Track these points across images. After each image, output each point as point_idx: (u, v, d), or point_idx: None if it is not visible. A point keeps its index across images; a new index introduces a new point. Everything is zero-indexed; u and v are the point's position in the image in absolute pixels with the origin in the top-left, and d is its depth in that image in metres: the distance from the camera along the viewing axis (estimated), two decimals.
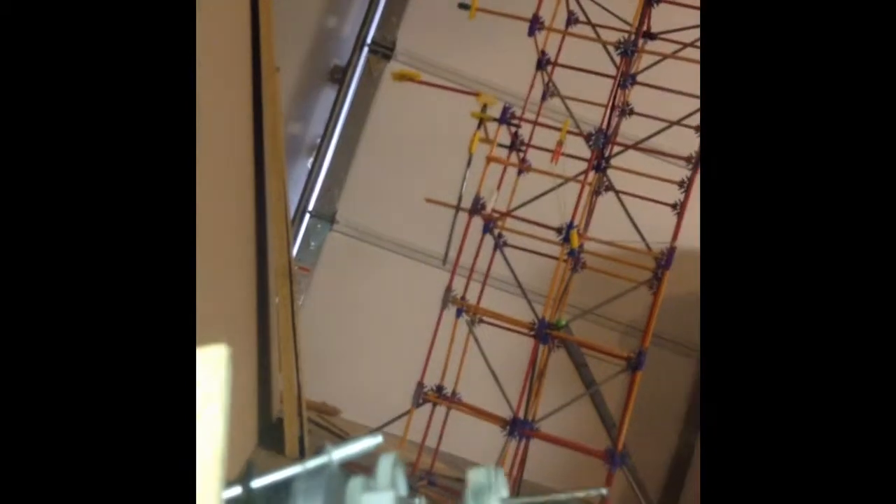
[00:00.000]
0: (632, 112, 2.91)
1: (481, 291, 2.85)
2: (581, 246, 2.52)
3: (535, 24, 2.55)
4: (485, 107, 2.53)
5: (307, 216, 3.99)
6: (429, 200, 2.62)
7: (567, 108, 2.58)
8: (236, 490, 0.88)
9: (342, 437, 3.04)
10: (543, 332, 2.33)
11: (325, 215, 3.98)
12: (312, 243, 3.98)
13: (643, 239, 2.61)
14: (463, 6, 2.60)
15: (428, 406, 2.67)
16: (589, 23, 2.81)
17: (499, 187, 2.73)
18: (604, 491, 2.04)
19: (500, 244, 2.67)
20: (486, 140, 2.61)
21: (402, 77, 2.61)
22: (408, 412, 2.58)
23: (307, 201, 4.00)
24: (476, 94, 2.60)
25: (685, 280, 2.99)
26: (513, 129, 2.65)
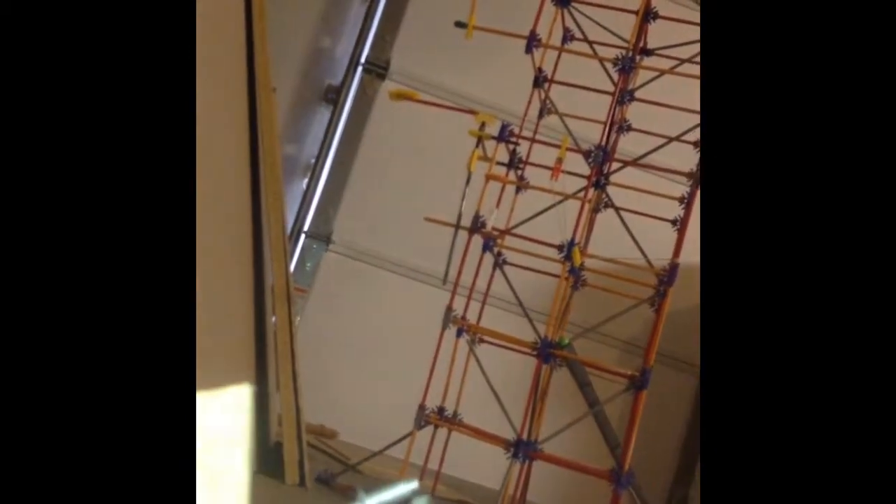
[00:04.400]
0: (630, 128, 2.90)
1: (481, 310, 2.83)
2: (582, 263, 2.51)
3: (532, 42, 2.55)
4: (483, 125, 2.52)
5: (303, 236, 3.97)
6: (427, 219, 2.60)
7: (565, 126, 2.57)
8: None
9: (342, 462, 2.99)
10: (546, 352, 2.30)
11: (321, 235, 3.96)
12: (308, 264, 3.95)
13: (644, 256, 2.60)
14: (459, 24, 2.59)
15: (429, 427, 2.63)
16: (585, 39, 2.81)
17: (498, 205, 2.71)
18: None
19: (499, 262, 2.64)
20: (485, 158, 2.60)
21: (399, 96, 2.59)
22: (409, 434, 2.54)
23: (303, 222, 3.98)
24: (473, 113, 2.58)
25: (684, 295, 2.97)
26: (511, 147, 2.64)
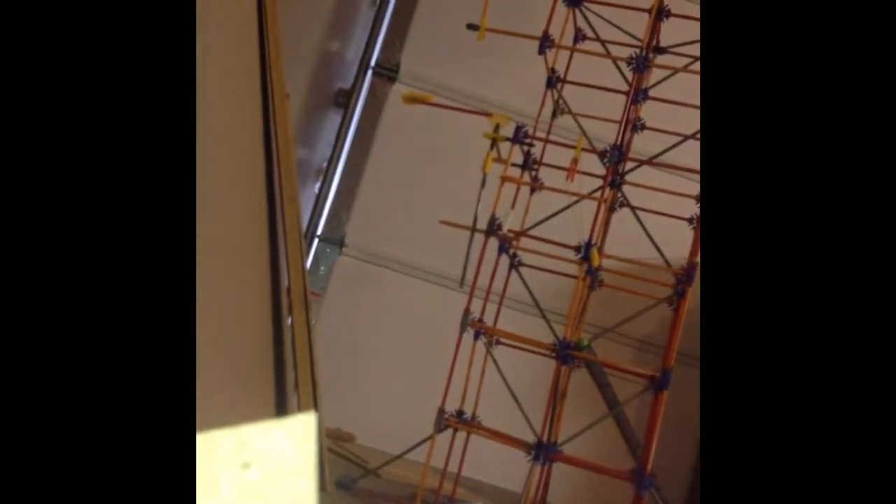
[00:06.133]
0: (643, 127, 2.89)
1: (498, 312, 2.82)
2: (600, 264, 2.50)
3: (545, 43, 2.54)
4: (497, 127, 2.51)
5: (316, 240, 3.97)
6: (443, 222, 2.60)
7: (579, 126, 2.56)
8: None
9: (361, 466, 2.99)
10: (565, 353, 2.30)
11: (334, 239, 3.96)
12: (322, 267, 3.95)
13: (662, 255, 2.59)
14: (471, 27, 2.59)
15: (448, 430, 2.63)
16: (598, 39, 2.80)
17: (513, 206, 2.70)
18: None
19: (515, 264, 2.64)
20: (499, 160, 2.59)
21: (412, 100, 2.59)
22: (429, 438, 2.54)
23: (316, 225, 3.98)
24: (487, 115, 2.58)
25: (696, 293, 2.96)
26: (525, 148, 2.64)
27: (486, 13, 2.57)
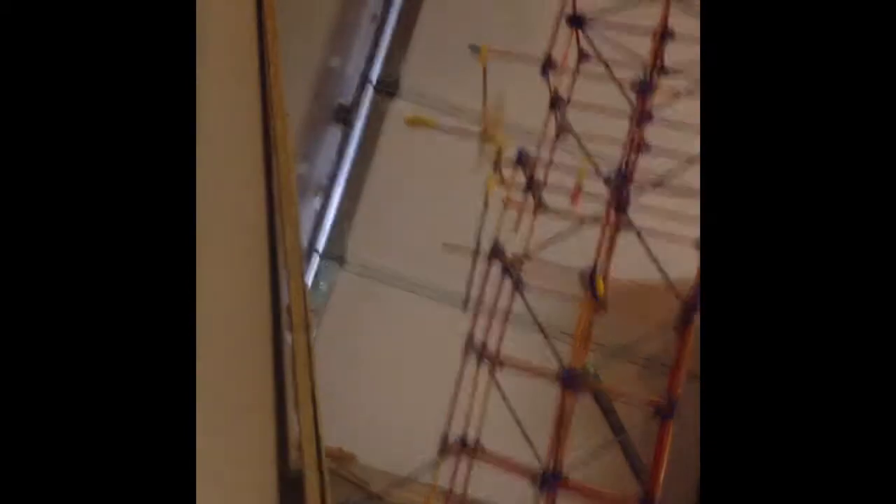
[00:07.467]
0: (650, 149, 2.87)
1: (501, 335, 2.80)
2: (605, 294, 2.49)
3: (548, 65, 2.53)
4: (500, 149, 2.50)
5: (317, 257, 3.96)
6: (446, 245, 2.58)
7: (583, 149, 2.55)
8: None
9: (364, 489, 2.97)
10: (570, 381, 2.28)
11: (335, 256, 3.95)
12: (322, 284, 3.94)
13: (668, 280, 2.57)
14: (474, 48, 2.58)
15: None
16: (601, 60, 2.78)
17: (515, 229, 2.69)
18: None
19: (519, 287, 2.62)
20: (502, 182, 2.58)
21: (416, 122, 2.58)
22: (434, 462, 2.52)
23: (316, 242, 3.97)
24: (489, 136, 2.56)
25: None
26: (528, 171, 2.62)
27: (486, 51, 2.57)
